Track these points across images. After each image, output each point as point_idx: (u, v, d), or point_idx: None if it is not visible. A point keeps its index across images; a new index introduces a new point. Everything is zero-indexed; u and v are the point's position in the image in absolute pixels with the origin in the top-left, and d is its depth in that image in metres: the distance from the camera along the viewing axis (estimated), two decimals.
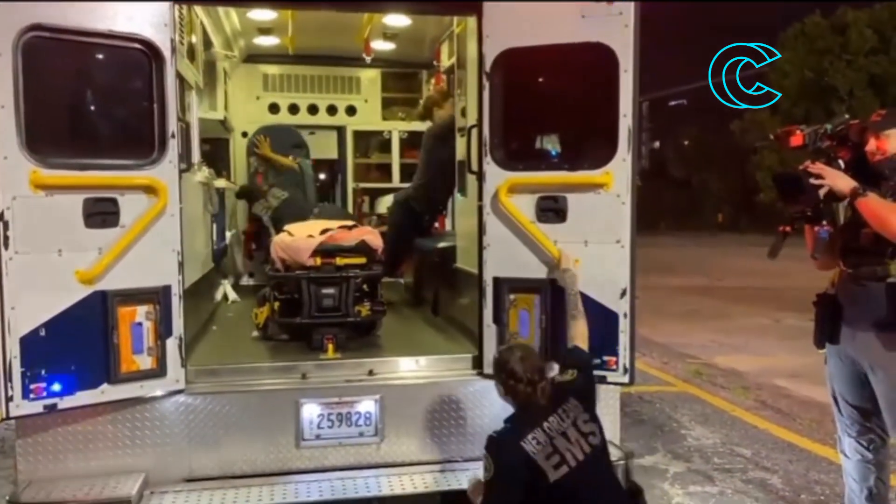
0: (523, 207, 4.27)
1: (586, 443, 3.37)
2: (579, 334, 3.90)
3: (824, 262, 3.90)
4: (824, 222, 3.74)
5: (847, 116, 3.83)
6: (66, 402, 3.70)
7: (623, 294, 4.17)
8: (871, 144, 3.65)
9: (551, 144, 4.60)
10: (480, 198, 4.37)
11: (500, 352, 3.85)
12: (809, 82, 42.04)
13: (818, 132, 3.76)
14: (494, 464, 3.37)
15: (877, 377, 3.67)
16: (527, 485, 3.32)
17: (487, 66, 4.27)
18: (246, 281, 7.63)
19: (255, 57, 8.18)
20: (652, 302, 15.33)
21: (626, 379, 4.22)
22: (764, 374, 9.12)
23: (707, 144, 55.23)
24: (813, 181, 3.59)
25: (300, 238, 4.88)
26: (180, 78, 4.39)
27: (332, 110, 8.49)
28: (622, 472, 4.13)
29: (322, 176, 8.88)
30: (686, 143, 62.70)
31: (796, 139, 3.77)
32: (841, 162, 3.70)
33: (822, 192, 3.61)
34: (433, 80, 7.66)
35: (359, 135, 8.71)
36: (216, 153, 7.95)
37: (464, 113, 5.59)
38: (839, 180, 3.58)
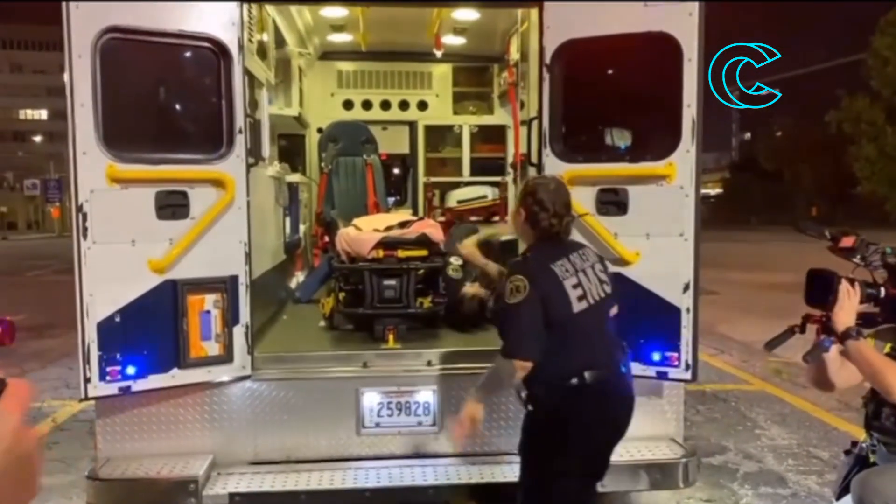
0: (583, 200, 4.20)
1: (601, 288, 3.27)
2: None
3: (813, 377, 3.33)
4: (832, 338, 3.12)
5: None
6: (139, 385, 3.91)
7: (686, 288, 4.08)
8: None
9: (612, 136, 4.52)
10: None
11: (532, 179, 3.69)
12: None
13: (873, 248, 3.23)
14: (529, 283, 3.12)
15: None
16: (550, 312, 3.14)
17: (548, 58, 4.25)
18: None
19: (329, 54, 8.34)
20: (736, 299, 14.86)
21: (688, 375, 4.13)
22: None
23: (800, 135, 52.99)
24: (840, 294, 3.09)
25: (364, 231, 4.99)
26: (249, 75, 4.54)
27: (404, 105, 8.58)
28: (681, 471, 4.06)
29: (395, 171, 8.99)
30: (779, 133, 60.33)
31: (847, 240, 3.26)
32: (883, 290, 3.21)
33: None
34: (504, 74, 7.64)
35: (430, 129, 8.77)
36: (292, 148, 8.18)
37: (523, 106, 5.56)
38: (841, 313, 3.07)
